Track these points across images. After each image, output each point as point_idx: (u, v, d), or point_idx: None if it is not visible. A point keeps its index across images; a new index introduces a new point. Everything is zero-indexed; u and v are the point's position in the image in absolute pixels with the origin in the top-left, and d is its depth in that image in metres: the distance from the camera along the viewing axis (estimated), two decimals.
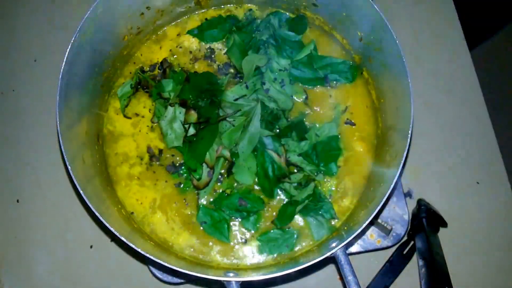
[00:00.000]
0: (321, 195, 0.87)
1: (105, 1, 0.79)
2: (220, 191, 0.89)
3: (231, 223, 0.87)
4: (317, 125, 0.92)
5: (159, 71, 0.97)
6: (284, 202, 0.88)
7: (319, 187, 0.88)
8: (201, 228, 0.87)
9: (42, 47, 1.13)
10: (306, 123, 0.92)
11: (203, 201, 0.88)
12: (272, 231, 0.86)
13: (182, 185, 0.90)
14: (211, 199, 0.88)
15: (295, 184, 0.88)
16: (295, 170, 0.89)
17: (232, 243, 0.86)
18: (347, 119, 0.93)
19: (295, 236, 0.86)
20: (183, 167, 0.90)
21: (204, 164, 0.87)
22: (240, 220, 0.87)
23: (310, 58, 0.94)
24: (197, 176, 0.87)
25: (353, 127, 0.92)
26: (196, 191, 0.89)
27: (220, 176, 0.90)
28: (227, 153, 0.88)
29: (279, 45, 0.95)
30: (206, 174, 0.88)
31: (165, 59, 0.97)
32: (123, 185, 0.90)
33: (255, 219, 0.87)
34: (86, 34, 0.78)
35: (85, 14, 0.77)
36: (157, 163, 0.91)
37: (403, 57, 0.75)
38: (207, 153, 0.87)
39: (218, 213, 0.87)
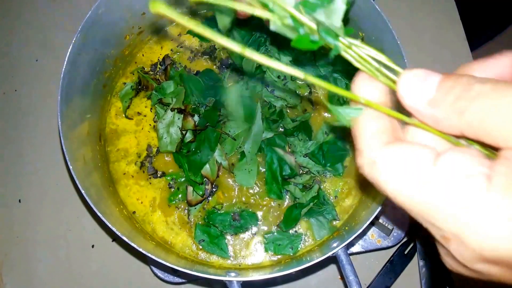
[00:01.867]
0: (324, 198, 0.87)
1: (106, 1, 0.79)
2: (212, 208, 0.88)
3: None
4: (324, 124, 0.92)
5: (161, 67, 0.97)
6: (290, 205, 0.88)
7: (322, 188, 0.89)
8: (200, 247, 0.86)
9: (44, 47, 1.13)
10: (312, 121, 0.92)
11: (191, 218, 0.88)
12: (276, 234, 0.86)
13: (172, 198, 0.89)
14: (205, 216, 0.87)
15: (301, 186, 0.88)
16: (302, 171, 0.89)
17: (232, 244, 0.87)
18: None
19: (301, 239, 0.86)
20: (172, 177, 0.90)
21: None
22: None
23: (313, 54, 0.94)
24: (200, 192, 0.86)
25: None
26: (187, 208, 0.88)
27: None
28: (225, 163, 0.88)
29: (280, 41, 0.95)
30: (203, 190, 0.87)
31: (167, 56, 0.97)
32: (123, 184, 0.90)
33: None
34: (87, 34, 0.78)
35: (86, 14, 0.77)
36: (149, 165, 0.91)
37: (404, 58, 0.75)
38: (208, 165, 0.86)
39: (214, 230, 0.86)
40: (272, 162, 0.88)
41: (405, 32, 1.10)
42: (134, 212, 0.89)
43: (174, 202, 0.88)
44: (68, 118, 0.76)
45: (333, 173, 0.89)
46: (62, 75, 0.74)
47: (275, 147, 0.88)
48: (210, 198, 0.88)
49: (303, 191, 0.87)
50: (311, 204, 0.85)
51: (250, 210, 0.88)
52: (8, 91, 1.11)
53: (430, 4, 1.14)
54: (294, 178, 0.88)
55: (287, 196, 0.88)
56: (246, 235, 0.87)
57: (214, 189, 0.89)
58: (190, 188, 0.87)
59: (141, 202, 0.89)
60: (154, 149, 0.92)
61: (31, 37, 1.15)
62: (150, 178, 0.90)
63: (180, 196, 0.89)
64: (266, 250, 0.86)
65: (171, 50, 0.98)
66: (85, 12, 0.77)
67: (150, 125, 0.94)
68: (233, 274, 0.77)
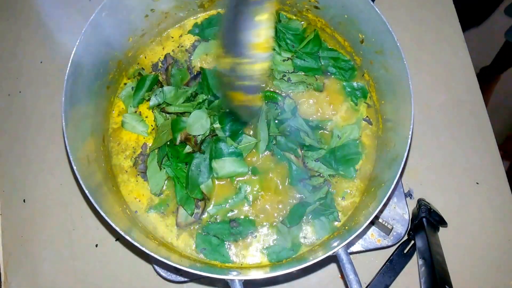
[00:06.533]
0: (331, 200, 0.88)
1: (110, 4, 0.80)
2: (208, 222, 0.88)
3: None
4: (336, 127, 0.92)
5: (162, 65, 0.97)
6: (296, 203, 0.88)
7: (331, 189, 0.89)
8: (202, 256, 0.86)
9: (48, 49, 1.15)
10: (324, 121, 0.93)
11: (179, 242, 0.88)
12: (277, 244, 0.87)
13: (162, 210, 0.89)
14: (203, 226, 0.88)
15: (310, 187, 0.88)
16: (315, 174, 0.90)
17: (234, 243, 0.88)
18: (367, 116, 0.94)
19: (301, 243, 0.87)
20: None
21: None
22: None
23: (317, 46, 0.95)
24: (189, 212, 0.86)
25: (370, 126, 0.93)
26: (177, 228, 0.88)
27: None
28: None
29: (280, 37, 0.96)
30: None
31: (168, 55, 0.97)
32: (121, 181, 0.91)
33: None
34: (91, 37, 0.79)
35: (90, 17, 0.78)
36: (142, 163, 0.92)
37: (404, 59, 0.76)
38: (210, 181, 0.87)
39: (214, 238, 0.87)
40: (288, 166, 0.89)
41: (404, 33, 1.11)
42: (136, 212, 0.90)
43: (154, 211, 0.89)
44: (72, 119, 0.77)
45: (345, 177, 0.90)
46: (66, 76, 0.75)
47: (285, 152, 0.89)
48: (202, 218, 0.88)
49: (312, 191, 0.88)
50: (317, 203, 0.86)
51: (250, 217, 0.88)
52: (12, 93, 1.12)
53: (430, 7, 1.15)
54: (309, 180, 0.88)
55: (297, 195, 0.89)
56: (247, 238, 0.88)
57: (207, 208, 0.89)
58: (181, 210, 0.86)
59: (139, 201, 0.90)
60: (148, 150, 0.93)
61: (36, 39, 1.16)
62: (138, 175, 0.91)
63: (163, 207, 0.89)
64: (270, 261, 0.86)
65: (173, 51, 0.99)
66: (89, 15, 0.78)
67: (151, 125, 0.95)
68: (235, 273, 0.78)
